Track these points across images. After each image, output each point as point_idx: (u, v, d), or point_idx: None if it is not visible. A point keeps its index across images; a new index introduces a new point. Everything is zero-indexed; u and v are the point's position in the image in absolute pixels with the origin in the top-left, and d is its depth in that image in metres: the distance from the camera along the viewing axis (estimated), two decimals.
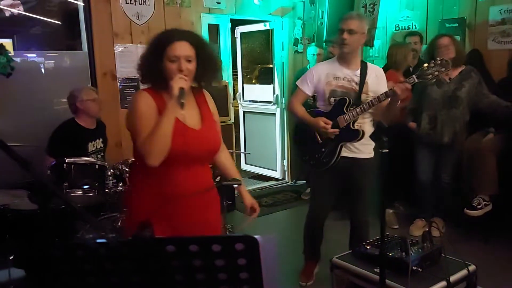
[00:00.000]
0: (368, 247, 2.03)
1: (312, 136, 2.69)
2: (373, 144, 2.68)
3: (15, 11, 4.57)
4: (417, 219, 3.68)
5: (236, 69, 6.04)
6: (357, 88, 2.59)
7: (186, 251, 0.97)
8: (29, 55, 4.23)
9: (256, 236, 0.95)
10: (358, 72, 2.61)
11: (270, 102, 5.54)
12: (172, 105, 1.61)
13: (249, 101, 5.94)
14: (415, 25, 4.63)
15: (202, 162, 1.80)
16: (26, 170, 1.18)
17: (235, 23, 5.40)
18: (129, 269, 0.97)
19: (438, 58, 2.44)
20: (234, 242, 0.96)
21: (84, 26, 4.00)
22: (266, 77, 5.84)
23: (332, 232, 2.97)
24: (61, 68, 4.10)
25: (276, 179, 5.57)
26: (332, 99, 2.62)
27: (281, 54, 5.34)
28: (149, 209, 1.68)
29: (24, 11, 4.66)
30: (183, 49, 1.69)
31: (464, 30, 4.13)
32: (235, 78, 5.93)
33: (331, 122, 2.58)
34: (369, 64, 2.68)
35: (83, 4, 3.96)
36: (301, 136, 2.83)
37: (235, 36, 5.80)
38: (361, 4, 5.14)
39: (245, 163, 6.03)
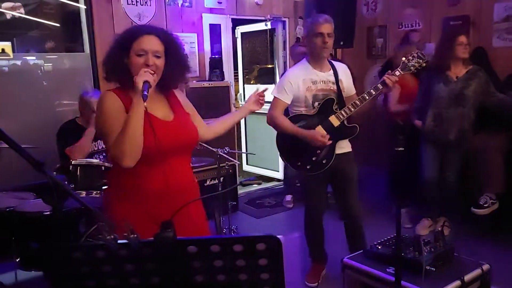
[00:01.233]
0: (379, 247, 2.01)
1: (303, 140, 2.60)
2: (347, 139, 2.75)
3: (16, 14, 4.55)
4: (423, 218, 3.66)
5: (237, 69, 6.02)
6: (335, 87, 2.64)
7: (208, 252, 0.95)
8: (28, 57, 4.21)
9: (279, 236, 0.94)
10: (331, 72, 2.67)
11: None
12: (137, 101, 1.51)
13: None
14: (418, 23, 4.62)
15: (180, 155, 1.71)
16: (39, 171, 1.16)
17: (236, 23, 5.38)
18: (150, 270, 0.96)
19: (413, 52, 2.53)
20: (256, 242, 0.95)
21: (86, 28, 3.97)
22: (267, 77, 5.81)
23: (339, 232, 2.94)
24: (63, 70, 4.08)
25: (278, 180, 5.56)
26: (316, 103, 2.63)
27: (283, 54, 5.32)
28: (129, 210, 1.60)
29: (24, 14, 4.64)
30: (151, 43, 1.60)
31: (469, 27, 4.12)
32: (235, 79, 5.90)
33: (326, 134, 2.55)
34: (334, 62, 2.74)
35: (85, 7, 3.93)
36: (287, 144, 2.69)
37: (236, 36, 5.78)
38: (363, 1, 5.13)
39: (247, 164, 6.01)
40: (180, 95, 1.84)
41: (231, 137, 4.57)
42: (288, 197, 4.65)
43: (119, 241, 0.90)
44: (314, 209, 2.85)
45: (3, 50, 4.51)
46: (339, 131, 2.60)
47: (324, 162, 2.62)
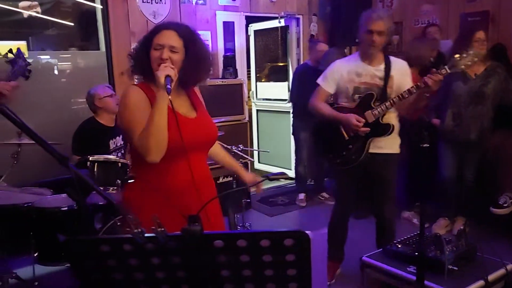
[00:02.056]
0: (399, 246, 1.99)
1: (337, 133, 2.63)
2: (399, 140, 2.66)
3: (33, 13, 4.60)
4: (440, 217, 3.61)
5: (249, 67, 6.01)
6: (381, 83, 2.58)
7: (234, 246, 0.94)
8: (43, 56, 4.24)
9: (307, 232, 0.92)
10: (382, 67, 2.60)
11: (285, 100, 5.50)
12: (161, 95, 1.50)
13: (263, 99, 5.90)
14: (435, 19, 4.56)
15: (200, 152, 1.73)
16: (64, 166, 1.16)
17: (249, 20, 5.37)
18: (176, 264, 0.95)
19: (469, 49, 2.39)
20: (284, 237, 0.93)
21: (102, 26, 3.99)
22: (279, 75, 5.80)
23: (355, 230, 2.92)
24: (79, 68, 4.11)
25: (291, 178, 5.54)
26: (356, 96, 2.60)
27: (297, 51, 5.29)
28: (152, 205, 1.59)
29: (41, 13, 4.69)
30: (168, 37, 1.61)
31: (487, 23, 4.05)
32: (248, 77, 5.90)
33: (363, 120, 2.52)
34: (392, 58, 2.66)
35: (101, 7, 3.96)
36: (323, 134, 2.76)
37: (249, 33, 5.77)
38: None
39: (259, 162, 6.00)
40: (198, 92, 1.84)
41: (244, 135, 4.57)
42: (301, 196, 4.63)
43: (147, 235, 0.89)
44: (343, 207, 2.80)
45: (18, 49, 4.56)
46: (373, 128, 2.55)
47: (353, 157, 2.58)
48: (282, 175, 1.35)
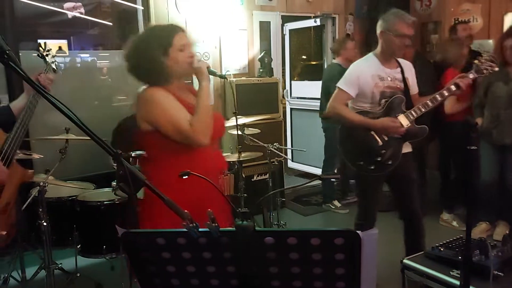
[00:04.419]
0: (441, 249, 1.95)
1: (367, 139, 2.53)
2: None
3: (77, 14, 4.78)
4: (480, 222, 3.50)
5: (284, 66, 6.01)
6: (402, 85, 2.55)
7: (284, 244, 0.96)
8: (83, 55, 4.39)
9: (358, 231, 0.93)
10: (398, 70, 2.58)
11: (319, 98, 5.46)
12: (207, 83, 1.72)
13: (297, 98, 5.89)
14: (476, 19, 4.42)
15: (212, 143, 1.84)
16: (117, 160, 1.20)
17: (285, 19, 5.38)
18: (226, 258, 0.97)
19: (485, 55, 2.41)
20: (335, 236, 0.94)
21: (143, 26, 4.09)
22: (312, 74, 5.77)
23: (387, 232, 2.87)
24: (118, 67, 4.22)
25: (340, 178, 5.45)
26: (383, 100, 2.54)
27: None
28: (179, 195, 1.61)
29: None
30: (187, 37, 1.77)
31: None
32: (282, 75, 5.90)
33: (399, 121, 2.48)
34: (400, 60, 2.64)
35: (142, 8, 4.06)
36: (350, 141, 2.62)
37: (284, 33, 5.77)
38: None
39: (292, 160, 5.99)
40: None
41: (279, 133, 4.58)
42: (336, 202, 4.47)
43: (200, 229, 0.92)
44: (369, 210, 2.75)
45: (60, 48, 4.76)
46: (407, 131, 2.51)
47: (389, 163, 2.53)
48: (334, 175, 1.35)
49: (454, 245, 1.98)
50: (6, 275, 2.79)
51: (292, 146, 5.94)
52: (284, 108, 5.82)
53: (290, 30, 5.76)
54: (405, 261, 1.99)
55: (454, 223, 3.77)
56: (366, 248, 0.94)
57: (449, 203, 3.85)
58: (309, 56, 6.00)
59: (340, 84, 2.60)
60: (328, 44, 5.32)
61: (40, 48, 1.87)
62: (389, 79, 2.55)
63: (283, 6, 4.82)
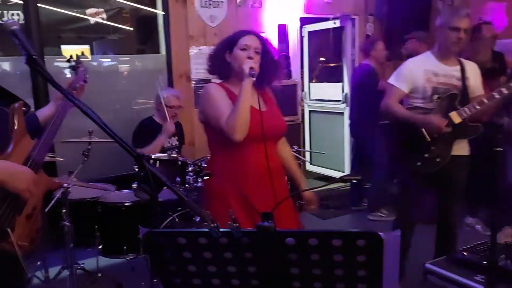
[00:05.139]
0: (465, 253, 1.90)
1: (416, 134, 2.52)
2: (467, 142, 2.58)
3: (99, 19, 4.88)
4: (506, 226, 3.41)
5: (303, 68, 6.00)
6: (459, 84, 2.50)
7: (305, 245, 0.95)
8: (105, 59, 4.47)
9: (380, 233, 0.92)
10: (458, 67, 2.53)
11: (339, 100, 5.44)
12: (246, 82, 1.79)
13: (315, 100, 5.86)
14: (500, 19, 4.32)
15: (273, 142, 1.95)
16: (139, 162, 1.21)
17: (303, 21, 5.37)
18: (247, 259, 0.98)
19: None
20: (357, 238, 0.94)
21: (163, 31, 4.14)
22: (333, 76, 5.74)
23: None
24: (139, 71, 4.28)
25: (361, 179, 5.38)
26: (435, 96, 2.51)
27: (352, 52, 5.22)
28: (228, 190, 1.84)
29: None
30: (253, 40, 1.89)
31: None
32: (301, 77, 5.88)
33: (445, 120, 2.44)
34: (463, 60, 2.59)
35: (163, 13, 4.11)
36: (399, 136, 2.64)
37: (302, 35, 5.76)
38: None
39: (311, 163, 5.96)
40: (272, 94, 2.09)
41: (297, 136, 4.57)
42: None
43: (221, 229, 0.93)
44: (409, 215, 2.69)
45: (82, 53, 4.86)
46: (459, 129, 2.46)
47: (438, 160, 2.49)
48: (355, 176, 1.35)
49: (478, 249, 1.93)
50: (30, 275, 2.85)
51: (310, 149, 5.91)
52: (303, 110, 5.81)
53: (309, 32, 5.75)
54: (428, 265, 1.95)
55: (478, 227, 3.69)
56: (388, 250, 0.93)
57: (473, 207, 3.77)
58: (327, 58, 5.97)
59: (392, 80, 2.62)
60: (348, 46, 5.29)
61: (72, 60, 1.91)
62: (444, 76, 2.51)
63: (301, 8, 4.81)
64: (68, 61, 1.91)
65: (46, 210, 2.44)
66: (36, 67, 1.29)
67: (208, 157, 2.80)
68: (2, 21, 4.08)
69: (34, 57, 1.28)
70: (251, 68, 1.80)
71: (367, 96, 3.94)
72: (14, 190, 1.30)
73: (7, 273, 1.41)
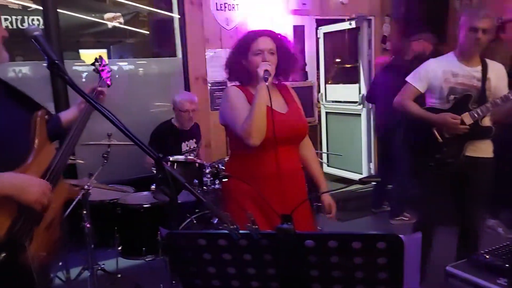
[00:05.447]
0: (487, 256, 1.87)
1: (428, 134, 2.52)
2: (492, 144, 2.53)
3: (116, 24, 4.96)
4: None
5: (318, 69, 5.97)
6: (479, 84, 2.46)
7: (325, 247, 0.95)
8: (122, 63, 4.54)
9: (401, 236, 0.91)
10: (479, 68, 2.49)
11: (356, 102, 5.40)
12: (261, 87, 1.77)
13: (332, 101, 5.84)
14: None
15: (290, 145, 1.91)
16: (159, 164, 1.22)
17: (319, 23, 5.35)
18: (267, 261, 0.98)
19: None
20: (377, 240, 0.93)
21: (179, 35, 4.18)
22: (350, 77, 5.70)
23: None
24: (156, 74, 4.32)
25: (381, 181, 5.32)
26: (451, 96, 2.50)
27: (368, 53, 5.18)
28: (245, 191, 1.82)
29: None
30: (266, 42, 1.86)
31: None
32: (317, 79, 5.86)
33: (459, 117, 2.42)
34: (488, 60, 2.54)
35: (179, 16, 4.15)
36: (414, 136, 2.64)
37: (318, 36, 5.74)
38: None
39: (328, 165, 5.93)
40: (294, 93, 2.06)
41: (314, 138, 4.55)
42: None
43: (241, 231, 0.93)
44: (430, 214, 2.66)
45: (100, 56, 4.94)
46: (471, 130, 2.44)
47: (448, 161, 2.48)
48: (375, 178, 1.32)
49: (500, 252, 1.89)
50: (52, 275, 2.91)
51: (327, 151, 5.88)
52: (319, 112, 5.79)
53: (325, 33, 5.73)
54: (449, 268, 1.92)
55: (500, 230, 3.62)
56: (409, 252, 0.92)
57: (495, 209, 3.69)
58: (343, 59, 5.93)
59: (409, 78, 2.62)
60: (364, 47, 5.24)
61: (96, 63, 1.92)
62: (464, 76, 2.49)
63: (317, 9, 4.80)
64: (93, 64, 1.93)
65: (66, 214, 2.49)
66: (58, 72, 1.32)
67: (226, 159, 2.82)
68: (22, 26, 4.20)
69: (56, 62, 1.31)
70: (265, 71, 1.78)
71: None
72: (24, 203, 1.29)
73: (27, 283, 1.37)
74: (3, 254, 1.24)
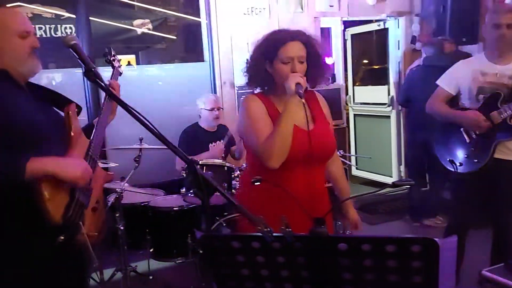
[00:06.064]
0: None
1: (457, 135, 2.50)
2: None
3: (145, 30, 5.08)
4: None
5: (346, 71, 5.92)
6: (510, 82, 2.39)
7: (358, 250, 0.95)
8: (150, 68, 4.63)
9: (436, 239, 0.90)
10: (510, 66, 2.42)
11: (385, 104, 5.32)
12: (291, 101, 1.54)
13: (360, 103, 5.77)
14: None
15: (315, 164, 1.69)
16: (191, 168, 1.25)
17: (347, 24, 5.31)
18: (300, 263, 0.99)
19: None
20: (411, 243, 0.92)
21: (207, 39, 4.24)
22: (378, 78, 5.63)
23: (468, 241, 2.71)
24: (183, 78, 4.37)
25: (413, 184, 5.24)
26: (480, 96, 2.44)
27: (396, 54, 5.10)
28: (274, 207, 1.58)
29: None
30: (296, 49, 1.62)
31: None
32: (345, 81, 5.81)
33: (481, 115, 2.37)
34: None
35: (206, 21, 4.21)
36: (443, 136, 2.61)
37: (345, 38, 5.70)
38: None
39: (357, 168, 5.86)
40: (323, 102, 1.84)
41: (343, 140, 4.51)
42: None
43: (275, 234, 0.94)
44: (461, 218, 2.60)
45: (128, 62, 5.08)
46: (499, 130, 2.37)
47: (475, 161, 2.42)
48: (408, 181, 1.30)
49: None
50: (96, 263, 3.00)
51: (356, 153, 5.82)
52: (348, 114, 5.74)
53: (352, 35, 5.69)
54: (484, 272, 1.87)
55: None
56: (444, 256, 0.91)
57: None
58: (371, 60, 5.86)
59: (439, 81, 2.59)
60: (393, 48, 5.17)
61: (107, 54, 1.96)
62: (494, 75, 2.42)
63: (344, 11, 4.77)
64: (104, 55, 1.97)
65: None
66: (95, 79, 1.37)
67: None
68: (55, 34, 4.35)
69: (93, 70, 1.37)
70: (297, 84, 1.52)
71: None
72: (69, 180, 1.38)
73: (82, 261, 1.59)
74: (61, 237, 1.36)
